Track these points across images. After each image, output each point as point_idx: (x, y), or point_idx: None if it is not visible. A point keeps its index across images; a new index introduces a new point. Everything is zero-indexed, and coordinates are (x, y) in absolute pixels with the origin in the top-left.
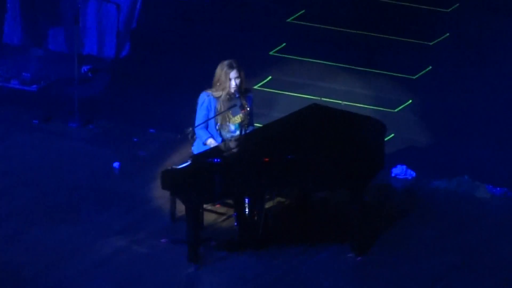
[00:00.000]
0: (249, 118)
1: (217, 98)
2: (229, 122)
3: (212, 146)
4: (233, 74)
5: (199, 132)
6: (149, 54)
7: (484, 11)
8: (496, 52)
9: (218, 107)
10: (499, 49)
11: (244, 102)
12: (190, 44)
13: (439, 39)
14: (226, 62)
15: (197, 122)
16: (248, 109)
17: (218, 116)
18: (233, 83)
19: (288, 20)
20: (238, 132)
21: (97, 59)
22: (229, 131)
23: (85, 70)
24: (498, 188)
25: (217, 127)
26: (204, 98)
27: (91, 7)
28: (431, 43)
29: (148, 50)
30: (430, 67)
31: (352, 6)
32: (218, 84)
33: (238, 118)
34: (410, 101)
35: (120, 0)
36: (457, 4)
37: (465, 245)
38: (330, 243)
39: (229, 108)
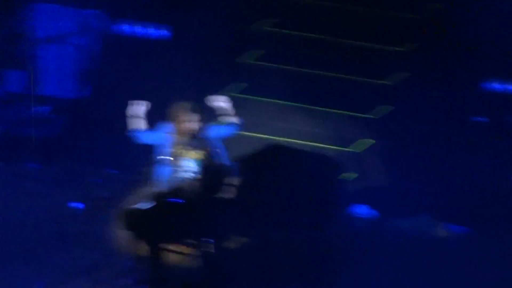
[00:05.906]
0: (210, 156)
1: (175, 135)
2: (184, 157)
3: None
4: (190, 117)
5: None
6: (108, 94)
7: (443, 52)
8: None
9: (175, 142)
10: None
11: (203, 141)
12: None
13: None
14: (184, 104)
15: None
16: (208, 149)
17: (173, 150)
18: (190, 126)
19: (246, 60)
20: (194, 168)
21: (57, 100)
22: (184, 166)
23: (45, 111)
24: None
25: (171, 161)
26: (161, 134)
27: (50, 49)
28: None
29: (107, 91)
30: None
31: (312, 47)
32: (176, 122)
33: (195, 154)
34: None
35: (80, 41)
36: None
37: None
38: None
39: (185, 145)
